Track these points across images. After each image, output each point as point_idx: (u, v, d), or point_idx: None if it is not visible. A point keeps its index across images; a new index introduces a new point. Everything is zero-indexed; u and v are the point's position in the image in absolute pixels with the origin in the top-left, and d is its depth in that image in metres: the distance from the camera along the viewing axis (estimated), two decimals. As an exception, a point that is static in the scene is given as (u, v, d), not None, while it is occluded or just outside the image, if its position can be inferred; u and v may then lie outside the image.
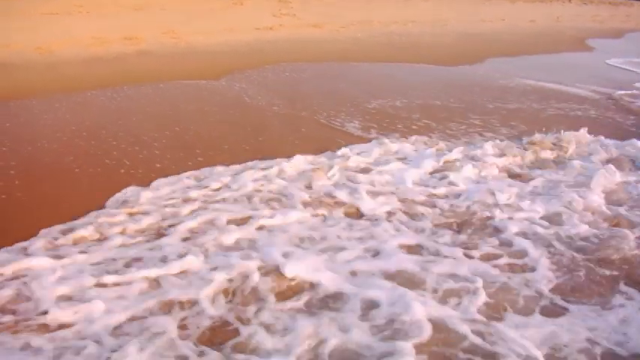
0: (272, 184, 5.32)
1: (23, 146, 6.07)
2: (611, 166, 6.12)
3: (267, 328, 3.21)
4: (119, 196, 4.94)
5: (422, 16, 22.75)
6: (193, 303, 3.40)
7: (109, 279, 3.58)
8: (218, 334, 3.17)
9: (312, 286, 3.64)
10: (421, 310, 3.34)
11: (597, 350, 3.17)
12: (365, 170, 5.85)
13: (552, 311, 3.53)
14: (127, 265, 3.79)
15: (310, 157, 6.05)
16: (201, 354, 2.97)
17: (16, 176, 5.25)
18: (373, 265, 3.94)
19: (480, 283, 3.72)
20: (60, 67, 10.27)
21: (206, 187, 5.19)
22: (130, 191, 5.01)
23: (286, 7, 20.82)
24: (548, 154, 6.60)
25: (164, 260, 3.84)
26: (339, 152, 6.26)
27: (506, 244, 4.38)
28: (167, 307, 3.35)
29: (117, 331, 3.13)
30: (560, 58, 15.85)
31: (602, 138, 7.26)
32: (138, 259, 3.86)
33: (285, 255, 3.94)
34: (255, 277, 3.67)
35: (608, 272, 4.01)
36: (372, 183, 5.49)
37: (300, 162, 5.87)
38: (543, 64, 14.28)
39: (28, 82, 9.11)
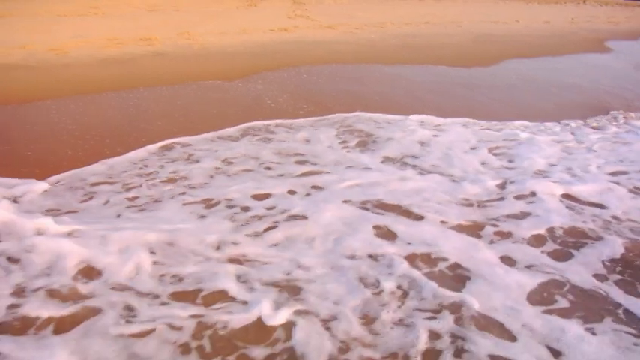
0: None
1: (41, 149, 6.00)
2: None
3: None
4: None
5: (435, 18, 22.57)
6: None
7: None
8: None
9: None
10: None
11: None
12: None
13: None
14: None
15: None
16: None
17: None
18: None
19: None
20: (75, 68, 10.22)
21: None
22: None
23: (300, 9, 20.75)
24: None
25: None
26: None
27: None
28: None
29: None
30: (582, 61, 15.57)
31: None
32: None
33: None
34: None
35: None
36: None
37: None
38: (568, 67, 14.01)
39: (44, 83, 9.05)
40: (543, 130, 7.85)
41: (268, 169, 5.84)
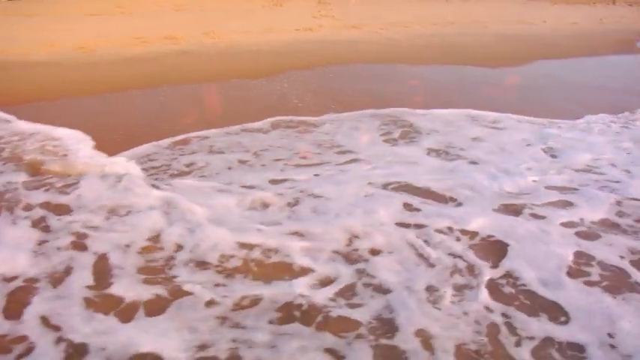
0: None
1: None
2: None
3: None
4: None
5: (461, 18, 22.26)
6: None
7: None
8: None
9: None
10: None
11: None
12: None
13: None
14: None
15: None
16: None
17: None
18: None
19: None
20: (101, 66, 10.31)
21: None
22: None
23: (325, 9, 20.66)
24: None
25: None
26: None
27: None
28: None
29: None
30: (612, 62, 15.15)
31: None
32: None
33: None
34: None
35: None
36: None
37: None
38: (598, 69, 13.65)
39: (70, 81, 9.14)
40: (587, 127, 7.73)
41: (304, 157, 5.92)
